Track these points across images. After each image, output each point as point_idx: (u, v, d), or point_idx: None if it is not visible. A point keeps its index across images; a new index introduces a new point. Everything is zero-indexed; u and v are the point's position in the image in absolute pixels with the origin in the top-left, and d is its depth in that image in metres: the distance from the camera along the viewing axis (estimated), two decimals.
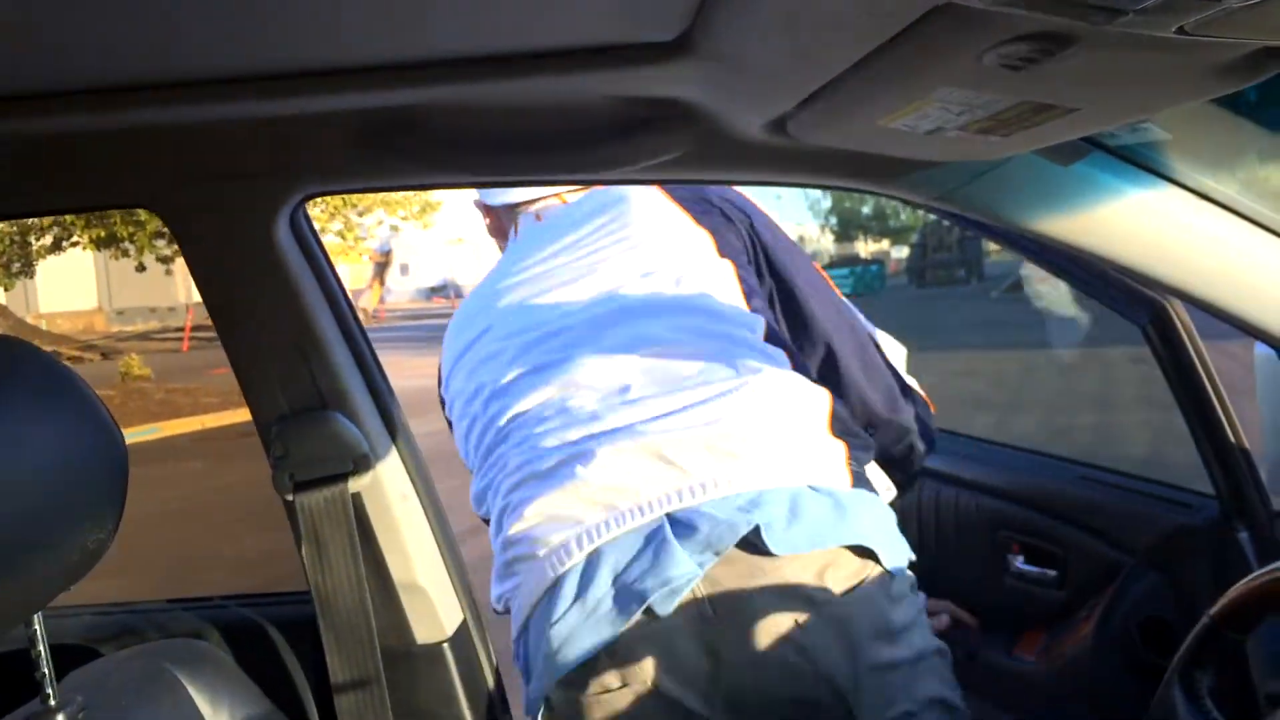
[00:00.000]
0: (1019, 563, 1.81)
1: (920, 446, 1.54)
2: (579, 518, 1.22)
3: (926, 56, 0.66)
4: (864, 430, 1.41)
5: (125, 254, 13.64)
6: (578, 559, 1.21)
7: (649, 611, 1.15)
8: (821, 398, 1.33)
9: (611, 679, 1.18)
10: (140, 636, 1.35)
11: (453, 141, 0.95)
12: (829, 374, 1.45)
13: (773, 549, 1.16)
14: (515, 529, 1.27)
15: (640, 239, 1.44)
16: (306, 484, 1.20)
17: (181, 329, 20.32)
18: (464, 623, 1.35)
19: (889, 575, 1.24)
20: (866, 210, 40.73)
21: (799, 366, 1.37)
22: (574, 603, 1.19)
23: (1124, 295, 1.43)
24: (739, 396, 1.26)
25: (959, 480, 1.94)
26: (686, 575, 1.15)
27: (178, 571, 5.31)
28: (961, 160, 0.95)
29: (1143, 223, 1.02)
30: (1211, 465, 1.42)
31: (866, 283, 28.03)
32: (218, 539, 5.97)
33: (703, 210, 1.48)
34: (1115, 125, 0.83)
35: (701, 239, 1.44)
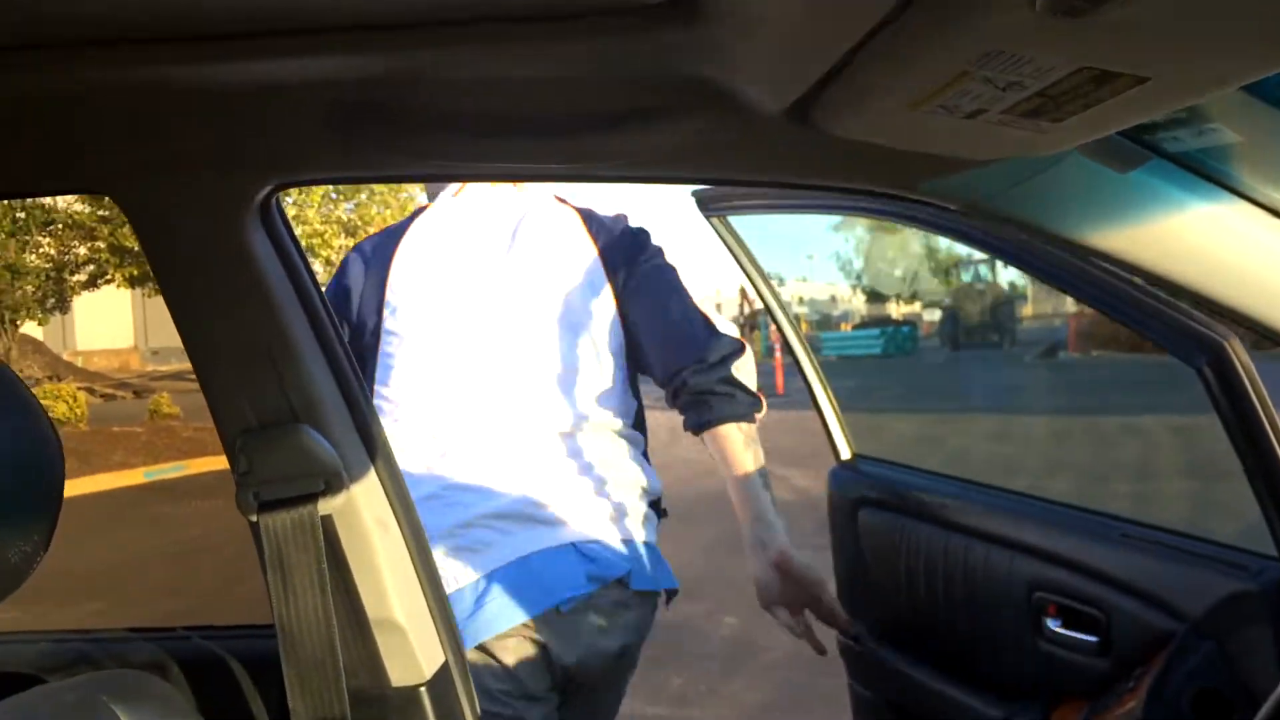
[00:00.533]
0: (1055, 626, 1.67)
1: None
2: None
3: (970, 6, 0.56)
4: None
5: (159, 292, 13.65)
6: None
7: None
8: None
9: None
10: (95, 666, 1.24)
11: (433, 123, 0.86)
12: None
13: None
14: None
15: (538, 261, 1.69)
16: (272, 504, 1.09)
17: None
18: (444, 665, 1.23)
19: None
20: (899, 272, 40.57)
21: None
22: None
23: (1178, 333, 1.31)
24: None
25: (989, 535, 1.81)
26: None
27: (193, 606, 5.22)
28: (1003, 159, 0.84)
29: (1208, 240, 0.91)
30: (1274, 523, 1.29)
31: (898, 344, 27.75)
32: (233, 575, 5.88)
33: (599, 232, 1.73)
34: (1193, 99, 0.72)
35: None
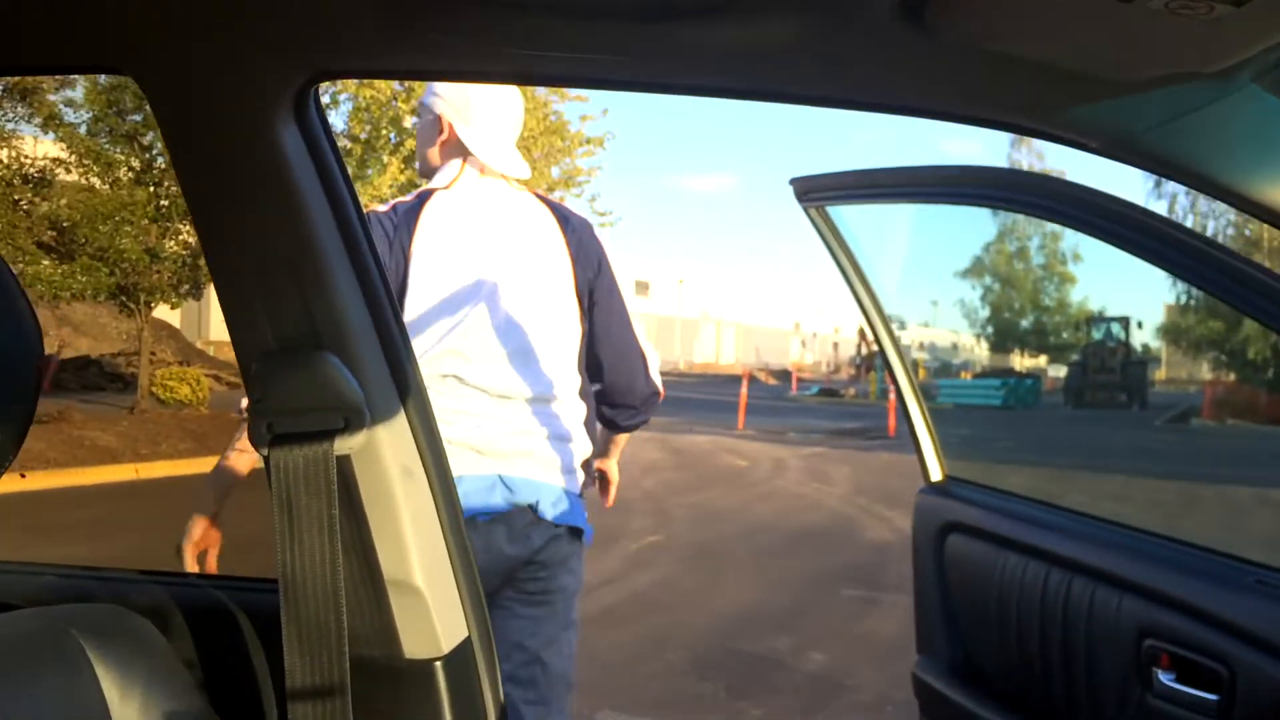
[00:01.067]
0: (1168, 680, 1.45)
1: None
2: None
3: None
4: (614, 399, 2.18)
5: None
6: None
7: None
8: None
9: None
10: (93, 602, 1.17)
11: (491, 10, 0.75)
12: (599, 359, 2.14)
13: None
14: None
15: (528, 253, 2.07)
16: (285, 438, 0.98)
17: None
18: (466, 640, 1.10)
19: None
20: (1026, 324, 39.31)
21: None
22: None
23: None
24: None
25: (1095, 571, 1.61)
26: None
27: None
28: (1163, 84, 0.68)
29: None
30: None
31: (1020, 396, 26.78)
32: None
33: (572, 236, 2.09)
34: None
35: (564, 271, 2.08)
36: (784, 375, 47.13)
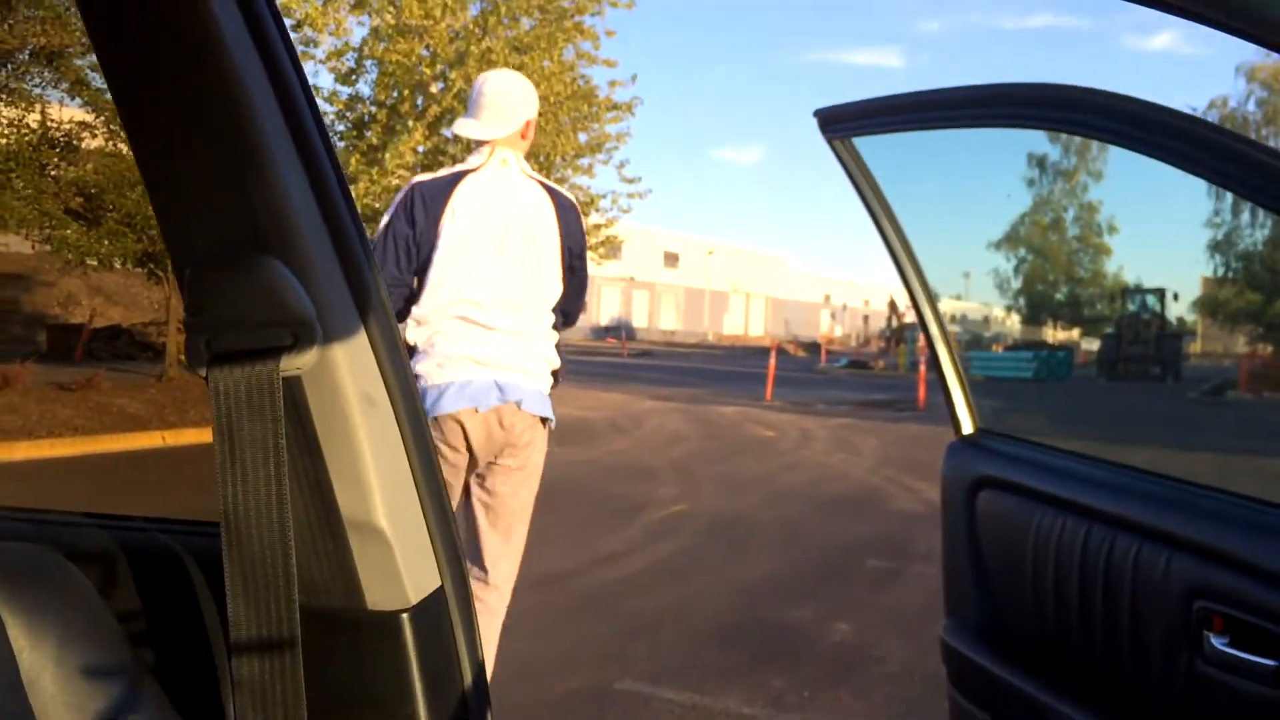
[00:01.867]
0: (1220, 644, 1.33)
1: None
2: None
3: None
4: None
5: None
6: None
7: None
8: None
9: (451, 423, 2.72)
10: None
11: None
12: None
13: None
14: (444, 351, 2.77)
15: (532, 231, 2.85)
16: (226, 357, 0.87)
17: None
18: (439, 591, 0.99)
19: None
20: (1059, 296, 38.82)
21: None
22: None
23: None
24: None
25: (1140, 528, 1.48)
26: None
27: None
28: None
29: None
30: None
31: (1051, 368, 26.46)
32: None
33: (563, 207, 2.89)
34: None
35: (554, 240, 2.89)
36: (813, 347, 46.87)
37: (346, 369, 0.90)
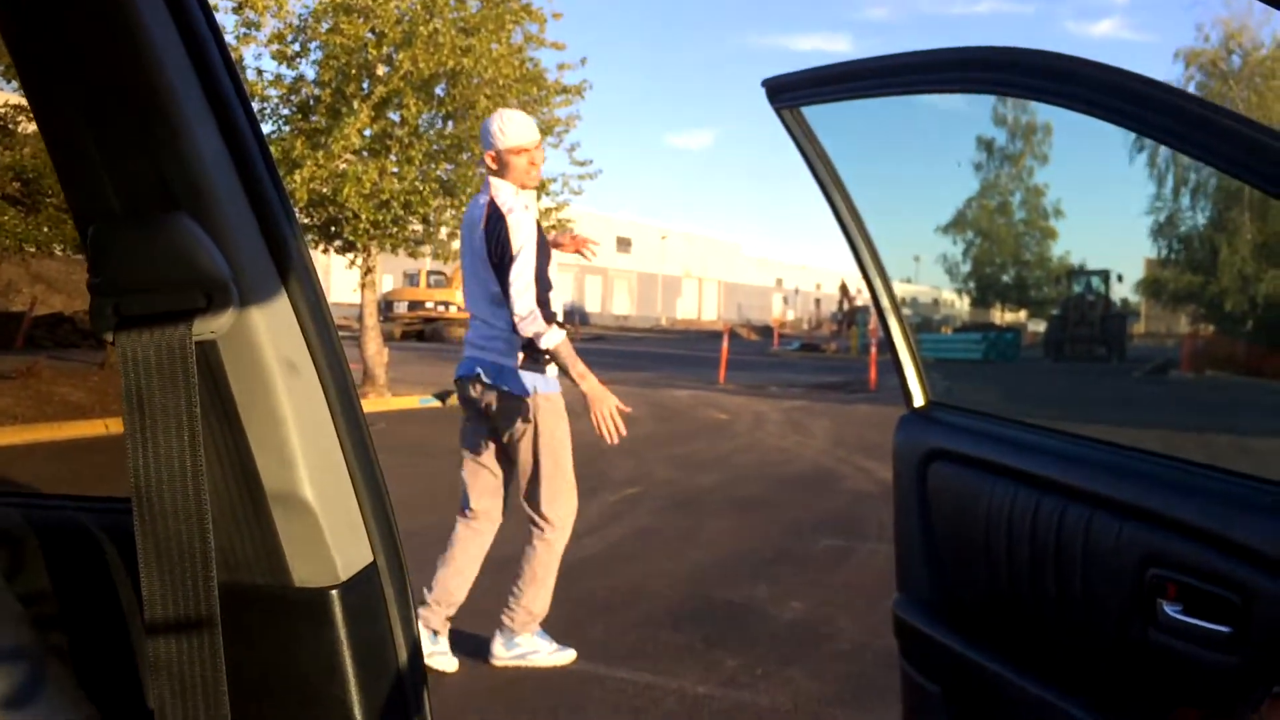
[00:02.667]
0: (1174, 612, 1.32)
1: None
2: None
3: None
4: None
5: (346, 249, 13.32)
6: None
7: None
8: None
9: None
10: None
11: None
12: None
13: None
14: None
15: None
16: (134, 320, 0.81)
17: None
18: (371, 567, 0.94)
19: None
20: (1007, 279, 39.35)
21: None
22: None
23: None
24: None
25: (1093, 497, 1.46)
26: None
27: None
28: None
29: None
30: None
31: (1000, 349, 26.84)
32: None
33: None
34: None
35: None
36: (766, 331, 47.09)
37: (266, 333, 0.85)
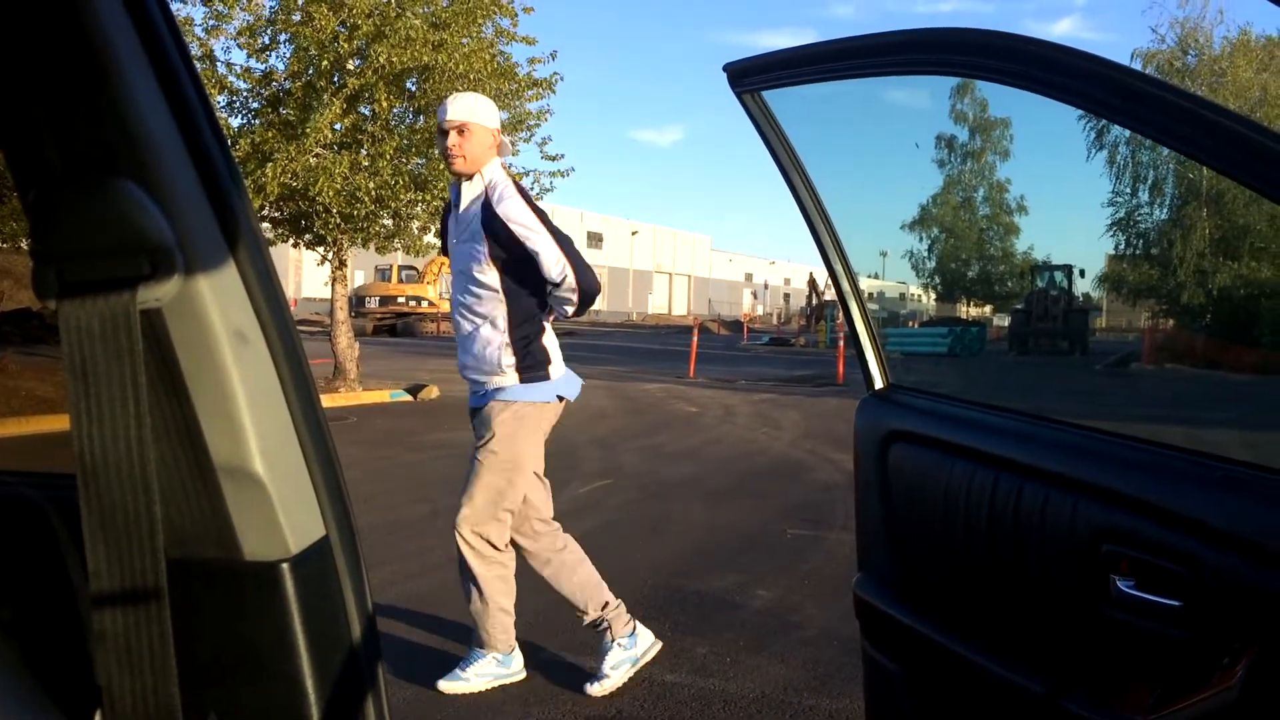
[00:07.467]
0: (1126, 587, 1.33)
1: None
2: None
3: None
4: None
5: (317, 244, 13.17)
6: None
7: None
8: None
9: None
10: None
11: None
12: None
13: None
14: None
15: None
16: (76, 287, 0.79)
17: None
18: (323, 540, 0.93)
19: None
20: (971, 274, 39.72)
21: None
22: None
23: None
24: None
25: (1047, 475, 1.48)
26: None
27: None
28: None
29: None
30: None
31: (965, 343, 27.07)
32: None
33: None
34: None
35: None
36: (735, 326, 47.19)
37: (213, 302, 0.83)
